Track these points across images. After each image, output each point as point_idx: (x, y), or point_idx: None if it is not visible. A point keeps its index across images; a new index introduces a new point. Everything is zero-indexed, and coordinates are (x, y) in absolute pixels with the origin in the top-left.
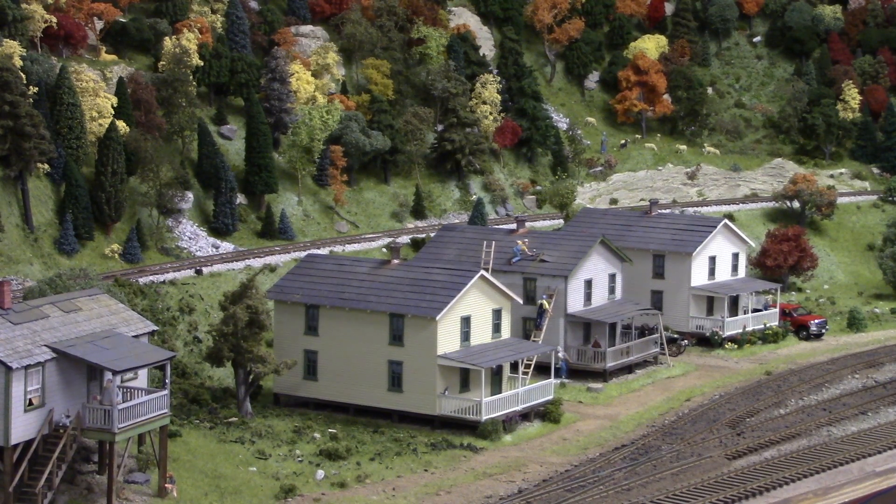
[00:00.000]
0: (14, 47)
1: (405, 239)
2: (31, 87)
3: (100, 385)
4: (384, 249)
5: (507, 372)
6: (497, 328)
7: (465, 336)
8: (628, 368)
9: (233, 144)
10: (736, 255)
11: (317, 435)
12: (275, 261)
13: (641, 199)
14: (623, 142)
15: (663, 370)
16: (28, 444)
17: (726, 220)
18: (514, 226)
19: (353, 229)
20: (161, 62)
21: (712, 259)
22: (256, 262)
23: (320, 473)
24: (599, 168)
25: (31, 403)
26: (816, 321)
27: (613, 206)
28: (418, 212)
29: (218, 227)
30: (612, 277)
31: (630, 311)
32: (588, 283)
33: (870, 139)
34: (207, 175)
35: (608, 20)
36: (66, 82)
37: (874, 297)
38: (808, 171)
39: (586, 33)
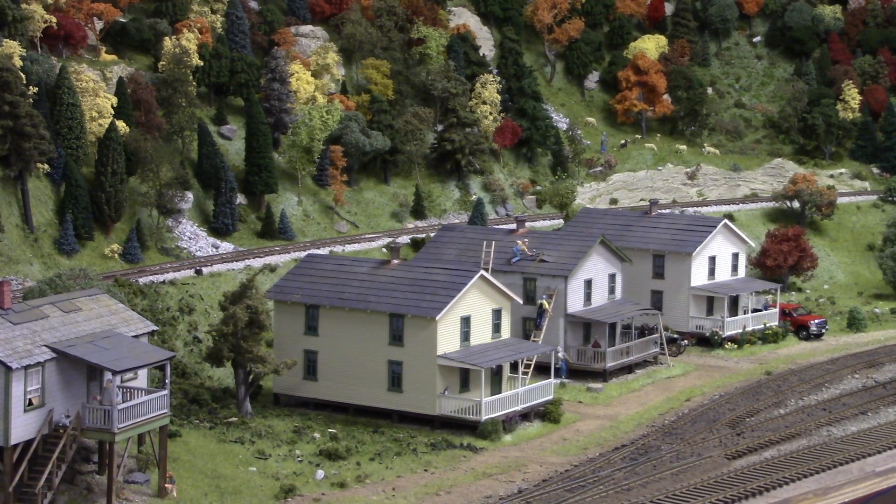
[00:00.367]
0: (14, 47)
1: (405, 239)
2: (31, 87)
3: (100, 385)
4: (384, 249)
5: (507, 372)
6: (497, 328)
7: (465, 336)
8: (628, 368)
9: (233, 144)
10: (736, 255)
11: (317, 435)
12: (275, 261)
13: (641, 199)
14: (623, 142)
15: (663, 370)
16: (28, 444)
17: (726, 220)
18: (514, 226)
19: (353, 229)
20: (161, 62)
21: (712, 259)
22: (256, 262)
23: (320, 473)
24: (599, 168)
25: (30, 403)
26: (816, 321)
27: (613, 206)
28: (418, 212)
29: (218, 227)
30: (612, 277)
31: (630, 311)
32: (588, 283)
33: (870, 139)
34: (207, 175)
35: (608, 20)
36: (66, 82)
37: (874, 297)
38: (808, 171)
39: (586, 33)
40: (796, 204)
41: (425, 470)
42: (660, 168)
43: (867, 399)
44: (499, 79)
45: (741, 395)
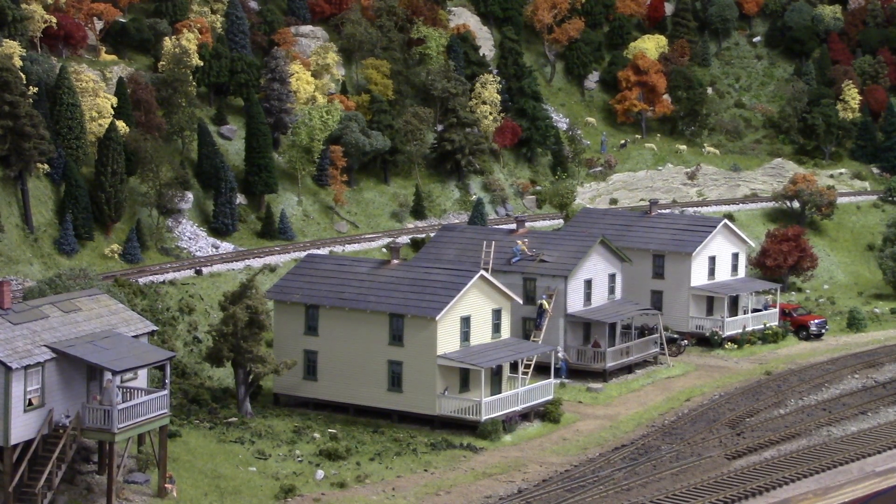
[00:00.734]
0: (14, 47)
1: (405, 239)
2: (31, 88)
3: (100, 385)
4: (384, 249)
5: (506, 372)
6: (497, 328)
7: (465, 336)
8: (628, 368)
9: (233, 144)
10: (736, 255)
11: (317, 435)
12: (275, 261)
13: (641, 199)
14: (623, 142)
15: (663, 370)
16: (28, 444)
17: (726, 220)
18: (513, 226)
19: (352, 229)
20: (161, 62)
21: (712, 259)
22: (256, 263)
23: (320, 473)
24: (599, 168)
25: (30, 403)
26: (816, 321)
27: (613, 206)
28: (418, 212)
29: (218, 227)
30: (612, 277)
31: (630, 311)
32: (588, 283)
33: (870, 139)
34: (207, 175)
35: (608, 20)
36: (66, 82)
37: (874, 297)
38: (807, 171)
39: (586, 33)
40: (796, 204)
41: (425, 470)
42: (660, 168)
43: (867, 399)
44: (499, 79)
45: (741, 395)
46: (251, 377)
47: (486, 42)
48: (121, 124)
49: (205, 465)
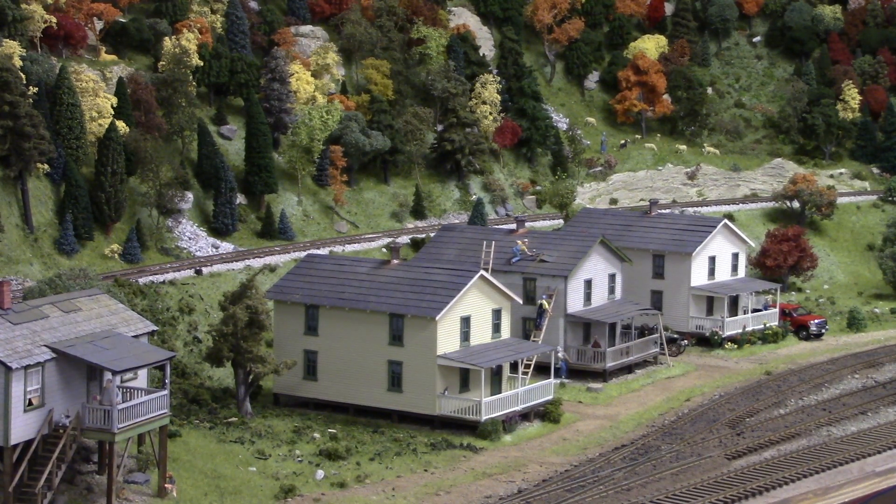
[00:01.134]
0: (14, 47)
1: (405, 239)
2: (31, 88)
3: (100, 385)
4: (384, 249)
5: (506, 372)
6: (497, 328)
7: (465, 336)
8: (628, 368)
9: (233, 144)
10: (736, 255)
11: (317, 435)
12: (275, 261)
13: (641, 199)
14: (623, 142)
15: (663, 370)
16: (28, 444)
17: (726, 220)
18: (513, 226)
19: (352, 229)
20: (161, 62)
21: (712, 259)
22: (256, 263)
23: (320, 473)
24: (599, 168)
25: (30, 403)
26: (816, 321)
27: (613, 206)
28: (418, 212)
29: (218, 227)
30: (612, 277)
31: (630, 311)
32: (588, 283)
33: (870, 139)
34: (207, 175)
35: (608, 20)
36: (66, 82)
37: (874, 297)
38: (807, 171)
39: (586, 33)
40: (796, 204)
41: (425, 470)
42: (660, 168)
43: (867, 399)
44: (499, 79)
45: (741, 395)
46: (251, 377)
47: (486, 42)
48: (121, 124)
49: (205, 465)
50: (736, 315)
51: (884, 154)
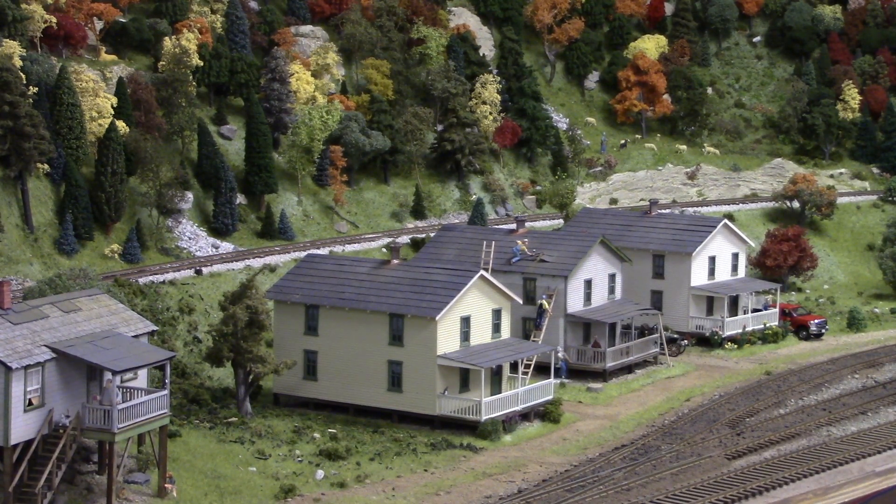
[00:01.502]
0: (14, 47)
1: (405, 239)
2: (31, 88)
3: (100, 385)
4: (384, 249)
5: (506, 372)
6: (497, 328)
7: (465, 336)
8: (628, 368)
9: (233, 144)
10: (736, 255)
11: (317, 435)
12: (275, 261)
13: (641, 199)
14: (623, 142)
15: (663, 370)
16: (28, 444)
17: (726, 220)
18: (513, 226)
19: (352, 229)
20: (161, 62)
21: (712, 259)
22: (256, 262)
23: (320, 473)
24: (599, 168)
25: (30, 403)
26: (816, 321)
27: (613, 206)
28: (418, 212)
29: (218, 227)
30: (612, 277)
31: (630, 311)
32: (588, 283)
33: (870, 139)
34: (207, 175)
35: (608, 20)
36: (66, 82)
37: (874, 297)
38: (807, 171)
39: (586, 33)
40: (796, 204)
41: (425, 470)
42: (660, 168)
43: (867, 399)
44: (499, 79)
45: (741, 395)
46: (251, 377)
47: (486, 42)
48: (121, 124)
49: (205, 465)
50: (736, 315)
51: (884, 154)
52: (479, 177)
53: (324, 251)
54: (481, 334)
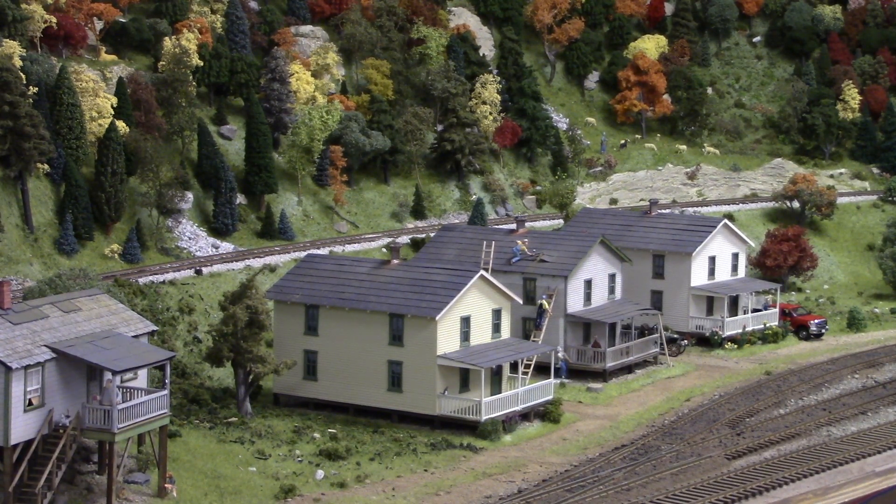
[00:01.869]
0: (14, 47)
1: (405, 239)
2: (31, 88)
3: (100, 385)
4: (384, 249)
5: (506, 372)
6: (497, 328)
7: (465, 336)
8: (628, 368)
9: (233, 144)
10: (736, 255)
11: (316, 435)
12: (275, 261)
13: (641, 199)
14: (623, 142)
15: (663, 370)
16: (28, 444)
17: (726, 220)
18: (513, 226)
19: (352, 229)
20: (161, 62)
21: (712, 259)
22: (256, 262)
23: (320, 473)
24: (599, 168)
25: (30, 403)
26: (816, 321)
27: (613, 206)
28: (418, 212)
29: (218, 227)
30: (612, 277)
31: (630, 311)
32: (588, 283)
33: (870, 139)
34: (207, 175)
35: (608, 20)
36: (66, 82)
37: (874, 297)
38: (807, 171)
39: (586, 33)
40: (796, 204)
41: (425, 470)
42: (660, 168)
43: (867, 399)
44: (499, 79)
45: (741, 395)
46: (251, 377)
47: (486, 42)
48: (121, 124)
49: (205, 465)
50: (736, 315)
51: (884, 154)
52: (479, 177)
53: (324, 251)
54: (481, 334)
